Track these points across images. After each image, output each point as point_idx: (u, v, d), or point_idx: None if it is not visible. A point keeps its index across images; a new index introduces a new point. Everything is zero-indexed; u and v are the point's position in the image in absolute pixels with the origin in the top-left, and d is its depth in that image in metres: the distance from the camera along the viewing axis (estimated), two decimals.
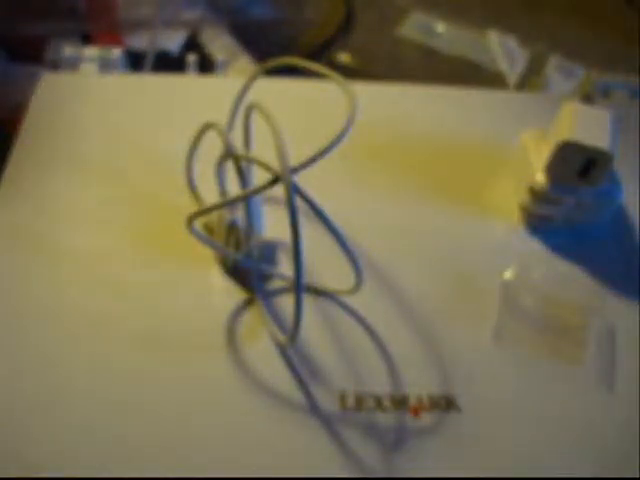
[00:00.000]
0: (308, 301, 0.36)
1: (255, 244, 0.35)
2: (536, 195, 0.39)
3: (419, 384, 0.33)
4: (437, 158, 0.44)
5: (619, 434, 0.32)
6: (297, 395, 0.32)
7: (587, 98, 0.50)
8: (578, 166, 0.37)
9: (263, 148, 0.41)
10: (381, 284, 0.37)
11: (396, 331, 0.35)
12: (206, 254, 0.37)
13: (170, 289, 0.35)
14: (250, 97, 0.46)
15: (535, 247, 0.40)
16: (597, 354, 0.35)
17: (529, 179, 0.39)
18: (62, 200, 0.39)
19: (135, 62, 0.52)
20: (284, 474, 0.30)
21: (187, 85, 0.48)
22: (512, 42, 0.65)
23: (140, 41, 0.55)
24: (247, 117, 0.35)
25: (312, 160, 0.30)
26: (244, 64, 0.60)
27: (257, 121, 0.44)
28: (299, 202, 0.29)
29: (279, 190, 0.29)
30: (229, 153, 0.32)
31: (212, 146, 0.34)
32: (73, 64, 0.48)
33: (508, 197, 0.42)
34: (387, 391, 0.32)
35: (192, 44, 0.58)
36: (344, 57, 0.64)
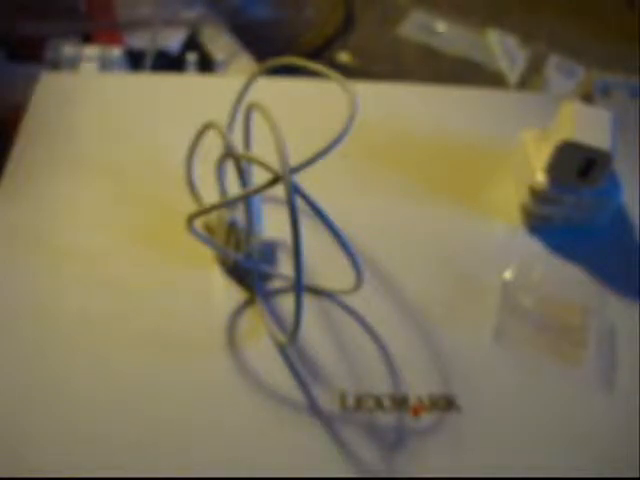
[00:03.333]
0: (308, 301, 0.35)
1: (255, 244, 0.35)
2: (536, 195, 0.39)
3: (419, 384, 0.33)
4: (437, 158, 0.44)
5: (619, 434, 0.32)
6: (297, 395, 0.32)
7: (587, 98, 0.50)
8: (578, 166, 0.37)
9: (263, 148, 0.41)
10: (381, 284, 0.37)
11: (396, 331, 0.35)
12: (206, 254, 0.37)
13: (170, 289, 0.35)
14: (250, 97, 0.46)
15: (535, 247, 0.40)
16: (597, 354, 0.35)
17: (529, 179, 0.39)
18: (62, 199, 0.39)
19: (135, 61, 0.52)
20: (284, 474, 0.30)
21: (187, 84, 0.48)
22: (512, 42, 0.65)
23: (140, 40, 0.55)
24: (247, 117, 0.35)
25: (312, 160, 0.30)
26: (244, 64, 0.60)
27: (257, 121, 0.44)
28: (299, 202, 0.29)
29: (279, 190, 0.29)
30: (229, 153, 0.32)
31: (212, 146, 0.34)
32: (73, 63, 0.48)
33: (508, 197, 0.42)
34: (387, 391, 0.32)
35: (192, 43, 0.58)
36: (344, 56, 0.64)
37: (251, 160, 0.34)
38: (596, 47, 0.62)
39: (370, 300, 0.35)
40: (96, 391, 0.31)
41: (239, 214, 0.35)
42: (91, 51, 0.48)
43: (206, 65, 0.57)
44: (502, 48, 0.65)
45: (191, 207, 0.38)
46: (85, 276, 0.35)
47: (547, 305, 0.36)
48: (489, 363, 0.34)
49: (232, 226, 0.35)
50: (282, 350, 0.33)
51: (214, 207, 0.33)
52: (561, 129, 0.38)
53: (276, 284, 0.36)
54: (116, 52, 0.49)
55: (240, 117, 0.36)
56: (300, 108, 0.45)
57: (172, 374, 0.32)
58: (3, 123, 0.48)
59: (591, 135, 0.37)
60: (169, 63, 0.55)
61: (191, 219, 0.32)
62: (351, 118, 0.31)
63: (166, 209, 0.39)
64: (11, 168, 0.40)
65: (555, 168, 0.38)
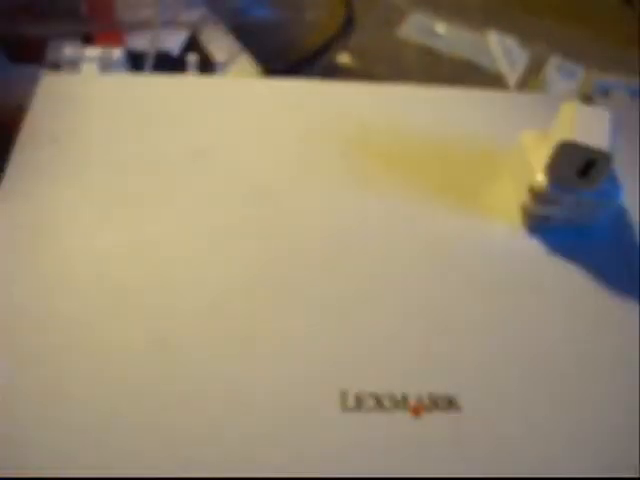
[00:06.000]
0: (308, 302, 0.35)
1: None
2: (536, 195, 0.39)
3: (420, 383, 0.33)
4: (437, 158, 0.44)
5: (619, 434, 0.32)
6: (296, 394, 0.32)
7: (587, 98, 0.50)
8: (578, 166, 0.37)
9: (261, 147, 0.41)
10: (381, 284, 0.37)
11: (396, 331, 0.35)
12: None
13: (175, 287, 0.35)
14: (251, 98, 0.46)
15: (535, 247, 0.40)
16: (597, 355, 0.35)
17: (529, 179, 0.39)
18: (63, 200, 0.39)
19: (136, 62, 0.52)
20: (283, 474, 0.30)
21: (187, 85, 0.48)
22: (512, 43, 0.65)
23: (141, 41, 0.55)
24: None
25: None
26: (244, 65, 0.60)
27: (256, 122, 0.44)
28: None
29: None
30: None
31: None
32: (74, 64, 0.48)
33: (508, 197, 0.42)
34: (387, 391, 0.32)
35: (192, 45, 0.58)
36: (345, 58, 0.64)
37: None
38: (596, 48, 0.62)
39: (370, 300, 0.36)
40: (96, 390, 0.31)
41: None
42: (92, 52, 0.48)
43: (206, 66, 0.57)
44: (502, 49, 0.65)
45: (191, 208, 0.38)
46: (87, 278, 0.35)
47: None
48: (490, 362, 0.34)
49: None
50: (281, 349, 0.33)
51: None
52: (561, 130, 0.38)
53: None
54: (117, 53, 0.49)
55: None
56: (300, 108, 0.45)
57: (172, 374, 0.32)
58: (3, 124, 0.48)
59: (591, 135, 0.37)
60: (169, 64, 0.55)
61: None
62: None
63: (166, 210, 0.39)
64: (12, 169, 0.40)
65: (554, 168, 0.38)
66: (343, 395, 0.32)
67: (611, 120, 0.38)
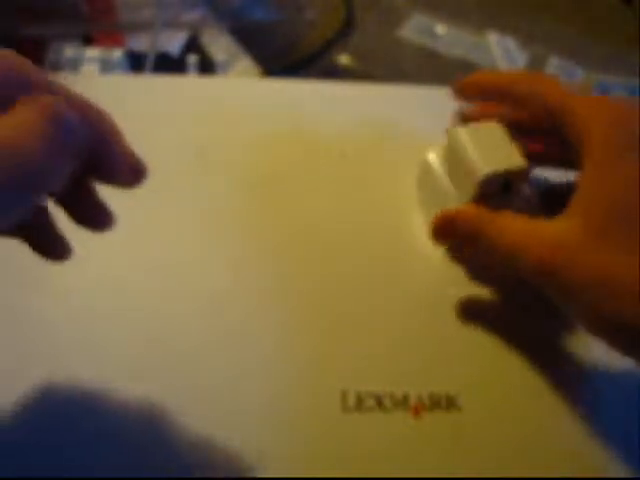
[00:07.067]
0: (308, 301, 0.36)
1: None
2: None
3: (420, 383, 0.33)
4: None
5: (619, 434, 0.32)
6: (297, 395, 0.32)
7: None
8: (499, 188, 0.36)
9: (260, 147, 0.41)
10: (380, 282, 0.37)
11: (397, 331, 0.35)
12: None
13: (176, 289, 0.35)
14: (251, 98, 0.46)
15: None
16: (598, 355, 0.35)
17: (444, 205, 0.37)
18: None
19: (136, 63, 0.52)
20: (283, 474, 0.30)
21: (188, 86, 0.48)
22: (512, 43, 0.65)
23: (141, 42, 0.55)
24: None
25: None
26: (244, 65, 0.60)
27: (255, 122, 0.44)
28: None
29: None
30: None
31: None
32: (74, 65, 0.48)
33: None
34: (388, 390, 0.32)
35: (192, 45, 0.58)
36: (344, 59, 0.64)
37: None
38: (596, 48, 0.63)
39: (370, 300, 0.36)
40: (99, 389, 0.31)
41: None
42: (92, 53, 0.49)
43: (206, 67, 0.57)
44: (502, 50, 0.65)
45: (188, 208, 0.38)
46: (88, 277, 0.35)
47: None
48: (490, 362, 0.34)
49: None
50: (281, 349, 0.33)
51: None
52: (466, 159, 0.36)
53: None
54: (117, 54, 0.49)
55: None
56: (299, 108, 0.45)
57: (170, 376, 0.32)
58: None
59: (499, 155, 0.35)
60: (170, 65, 0.55)
61: None
62: None
63: (165, 210, 0.39)
64: None
65: (480, 200, 0.36)
66: (344, 395, 0.32)
67: (507, 130, 0.36)
